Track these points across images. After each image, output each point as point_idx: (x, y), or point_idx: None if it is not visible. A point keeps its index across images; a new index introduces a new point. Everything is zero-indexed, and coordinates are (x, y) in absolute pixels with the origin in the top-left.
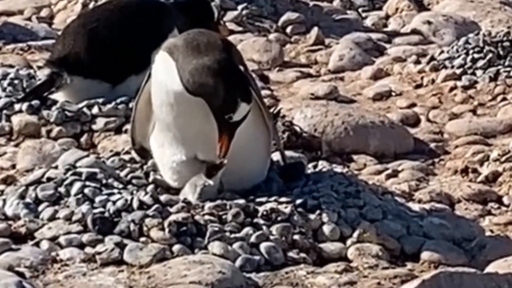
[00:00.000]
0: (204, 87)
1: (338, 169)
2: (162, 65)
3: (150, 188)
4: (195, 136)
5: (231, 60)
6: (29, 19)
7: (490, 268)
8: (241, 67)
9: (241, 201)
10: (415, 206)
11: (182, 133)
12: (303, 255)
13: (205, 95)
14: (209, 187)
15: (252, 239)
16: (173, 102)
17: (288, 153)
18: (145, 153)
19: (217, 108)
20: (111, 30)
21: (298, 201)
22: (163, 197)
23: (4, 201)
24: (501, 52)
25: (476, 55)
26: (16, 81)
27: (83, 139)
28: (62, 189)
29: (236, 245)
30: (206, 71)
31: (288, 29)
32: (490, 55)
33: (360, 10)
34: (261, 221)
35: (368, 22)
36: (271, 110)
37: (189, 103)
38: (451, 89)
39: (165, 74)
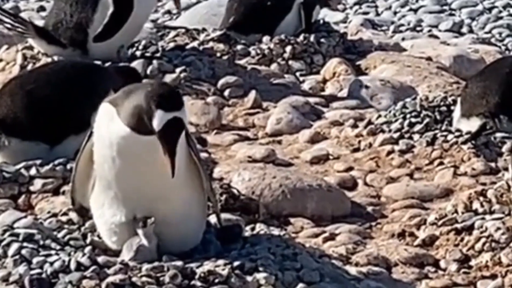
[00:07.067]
0: (134, 110)
1: (276, 231)
2: (104, 115)
3: (87, 249)
4: (136, 192)
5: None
6: None
7: None
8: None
9: (179, 263)
10: (352, 269)
11: (123, 191)
12: None
13: (136, 116)
14: (144, 246)
15: None
16: (116, 152)
17: (226, 215)
18: (84, 212)
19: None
20: (49, 92)
21: (236, 263)
22: (100, 259)
23: None
24: (438, 117)
25: (413, 120)
26: None
27: (20, 200)
28: None
29: None
30: (136, 98)
31: (226, 92)
32: (427, 119)
33: (297, 74)
34: (199, 283)
35: (305, 86)
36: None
37: (134, 146)
38: (388, 153)
39: (107, 123)
